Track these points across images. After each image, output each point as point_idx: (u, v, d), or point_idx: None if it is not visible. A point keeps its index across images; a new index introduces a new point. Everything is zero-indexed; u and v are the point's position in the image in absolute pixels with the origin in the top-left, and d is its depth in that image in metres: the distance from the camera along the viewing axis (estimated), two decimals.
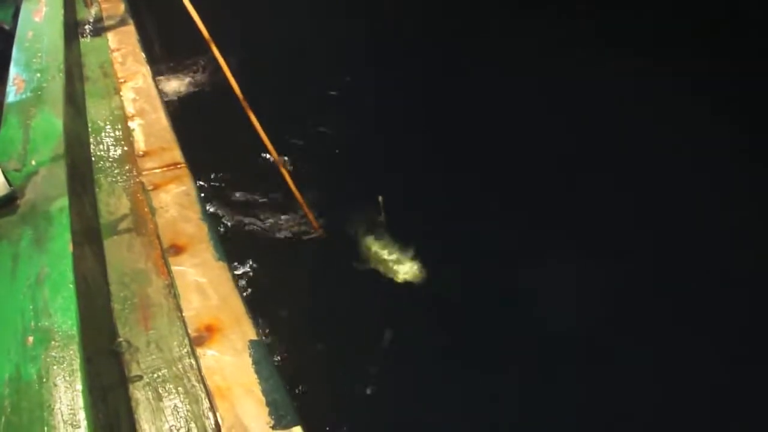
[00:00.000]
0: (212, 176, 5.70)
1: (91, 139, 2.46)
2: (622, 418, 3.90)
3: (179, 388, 1.45)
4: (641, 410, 3.94)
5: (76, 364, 1.21)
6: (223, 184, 5.65)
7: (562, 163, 5.89)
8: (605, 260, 4.84)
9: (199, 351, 1.49)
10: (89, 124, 2.57)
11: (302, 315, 4.43)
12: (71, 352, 1.23)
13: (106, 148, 2.40)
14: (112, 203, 2.09)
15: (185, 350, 1.52)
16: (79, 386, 1.17)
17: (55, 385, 1.17)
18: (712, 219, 5.10)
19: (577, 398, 3.95)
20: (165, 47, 7.38)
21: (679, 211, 5.25)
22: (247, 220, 5.29)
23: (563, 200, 5.49)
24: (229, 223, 5.20)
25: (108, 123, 2.58)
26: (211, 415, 1.39)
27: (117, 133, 2.50)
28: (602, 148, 6.02)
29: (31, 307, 1.33)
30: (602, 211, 5.29)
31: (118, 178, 2.22)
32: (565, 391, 4.02)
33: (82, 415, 1.12)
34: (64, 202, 1.64)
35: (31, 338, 1.26)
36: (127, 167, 2.28)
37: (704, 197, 5.31)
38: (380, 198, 5.15)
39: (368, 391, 4.00)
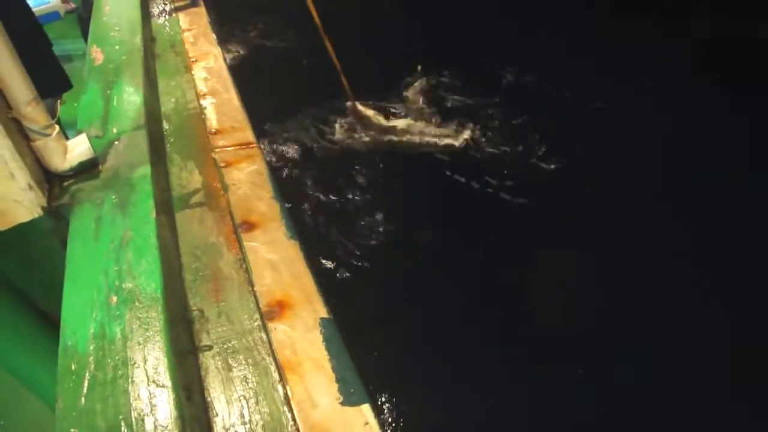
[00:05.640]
0: (283, 156, 5.82)
1: (163, 115, 2.49)
2: (623, 418, 3.92)
3: (249, 360, 1.46)
4: (642, 409, 3.95)
5: (160, 325, 1.23)
6: (293, 165, 5.77)
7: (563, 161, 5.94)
8: (606, 260, 4.86)
9: (270, 325, 1.50)
10: (162, 101, 2.60)
11: (371, 298, 4.50)
12: (155, 314, 1.25)
13: (178, 124, 2.43)
14: (184, 177, 2.11)
15: (256, 324, 1.53)
16: (163, 346, 1.19)
17: (139, 344, 1.19)
18: (713, 219, 5.10)
19: (578, 398, 3.98)
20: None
21: (679, 210, 5.25)
22: (317, 201, 5.39)
23: (564, 200, 5.53)
24: (300, 204, 5.30)
25: (179, 100, 2.60)
26: (280, 387, 1.39)
27: (189, 110, 2.52)
28: (603, 147, 6.05)
29: (115, 268, 1.35)
30: (603, 212, 5.32)
31: (190, 153, 2.24)
32: (566, 391, 4.05)
33: (166, 375, 1.14)
34: (146, 170, 1.66)
35: (114, 298, 1.28)
36: (198, 143, 2.30)
37: (705, 197, 5.30)
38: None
39: (433, 375, 4.06)
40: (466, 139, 6.19)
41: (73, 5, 5.54)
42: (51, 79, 3.31)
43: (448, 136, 6.26)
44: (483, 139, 6.17)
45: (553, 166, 5.83)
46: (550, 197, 5.58)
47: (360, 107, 6.34)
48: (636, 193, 5.51)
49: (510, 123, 6.44)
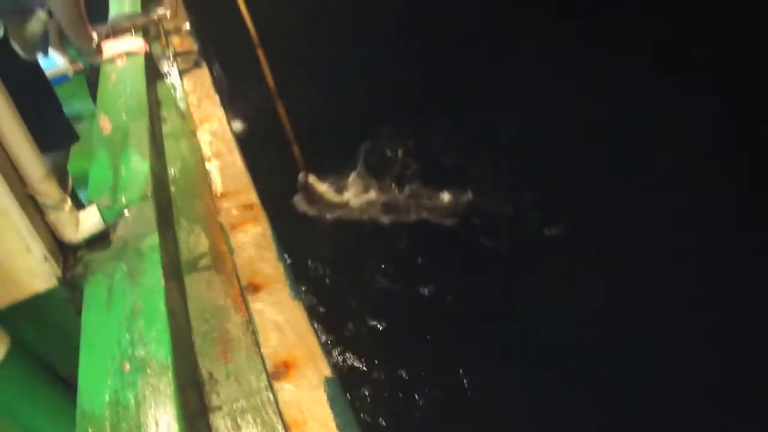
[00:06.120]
0: (284, 217, 5.88)
1: (171, 180, 2.58)
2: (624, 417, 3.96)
3: (257, 419, 1.52)
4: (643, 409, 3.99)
5: (170, 391, 1.29)
6: (295, 224, 5.83)
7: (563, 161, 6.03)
8: (607, 259, 4.91)
9: (276, 385, 1.56)
10: (168, 165, 2.68)
11: (373, 355, 4.55)
12: (165, 379, 1.31)
13: (184, 188, 2.51)
14: (192, 241, 2.19)
15: (263, 384, 1.59)
16: (173, 411, 1.25)
17: (151, 410, 1.26)
18: (714, 220, 5.16)
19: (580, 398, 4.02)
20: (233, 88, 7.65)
21: (681, 210, 5.31)
22: (320, 261, 5.44)
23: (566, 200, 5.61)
24: (303, 264, 5.35)
25: (186, 164, 2.69)
26: None
27: (194, 174, 2.61)
28: (602, 146, 6.12)
29: (127, 336, 1.42)
30: (605, 212, 5.38)
31: (197, 217, 2.32)
32: (566, 392, 4.09)
33: None
34: (154, 239, 1.74)
35: (127, 365, 1.35)
36: (205, 207, 2.38)
37: (705, 196, 5.36)
38: None
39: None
40: (431, 207, 6.14)
41: (81, 66, 5.68)
42: (59, 133, 3.42)
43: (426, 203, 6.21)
44: (457, 203, 6.18)
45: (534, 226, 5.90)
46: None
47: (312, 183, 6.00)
48: (638, 193, 5.63)
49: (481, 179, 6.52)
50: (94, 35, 3.15)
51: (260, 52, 4.97)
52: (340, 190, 6.35)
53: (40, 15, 3.01)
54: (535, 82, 7.38)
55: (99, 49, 3.20)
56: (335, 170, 6.55)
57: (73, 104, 5.44)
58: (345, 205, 6.17)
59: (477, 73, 7.88)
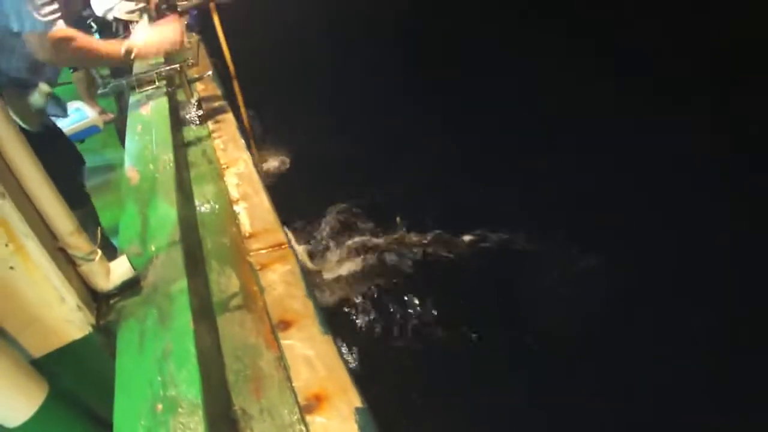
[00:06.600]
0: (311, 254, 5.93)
1: (200, 223, 2.64)
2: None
3: None
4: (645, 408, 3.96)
5: (201, 429, 1.33)
6: (323, 262, 5.88)
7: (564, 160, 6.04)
8: (608, 259, 4.90)
9: (308, 418, 1.59)
10: (197, 209, 2.75)
11: (405, 382, 4.56)
12: (196, 419, 1.35)
13: (214, 230, 2.57)
14: (223, 282, 2.24)
15: (295, 417, 1.63)
16: None
17: None
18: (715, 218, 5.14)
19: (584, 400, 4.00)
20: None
21: (683, 210, 5.29)
22: (348, 296, 5.48)
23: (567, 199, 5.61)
24: (331, 300, 5.39)
25: (214, 207, 2.75)
26: None
27: (223, 216, 2.66)
28: (604, 145, 6.12)
29: (159, 378, 1.46)
30: (607, 210, 5.38)
31: (227, 259, 2.37)
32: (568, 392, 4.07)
33: None
34: (183, 284, 1.79)
35: (160, 406, 1.39)
36: (234, 248, 2.43)
37: (707, 196, 5.34)
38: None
39: None
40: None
41: (111, 115, 5.82)
42: (69, 161, 3.51)
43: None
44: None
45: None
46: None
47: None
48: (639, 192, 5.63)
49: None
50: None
51: (236, 84, 5.35)
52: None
53: (43, 88, 3.08)
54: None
55: None
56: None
57: (105, 154, 5.58)
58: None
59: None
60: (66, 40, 2.91)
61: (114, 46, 3.18)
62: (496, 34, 9.41)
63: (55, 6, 2.84)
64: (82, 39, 3.00)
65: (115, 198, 3.51)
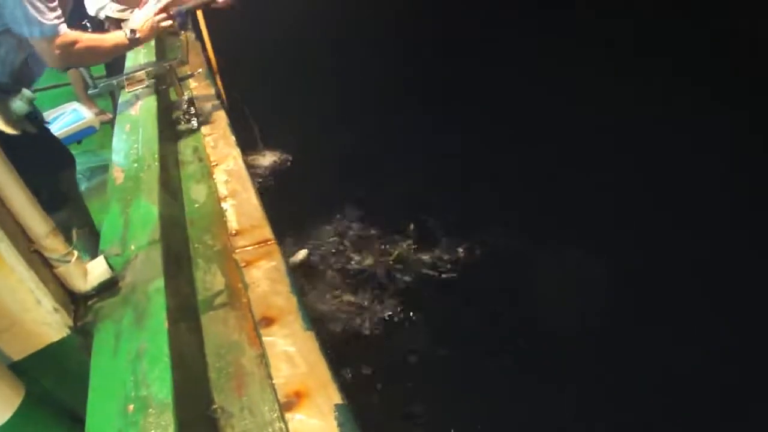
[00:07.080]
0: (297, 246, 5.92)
1: (188, 221, 2.63)
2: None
3: None
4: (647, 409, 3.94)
5: (171, 429, 1.32)
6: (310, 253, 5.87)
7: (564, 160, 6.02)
8: (609, 259, 4.89)
9: (288, 415, 1.58)
10: (186, 207, 2.74)
11: (383, 381, 4.54)
12: (167, 418, 1.34)
13: (202, 228, 2.56)
14: (209, 280, 2.23)
15: (275, 415, 1.62)
16: None
17: None
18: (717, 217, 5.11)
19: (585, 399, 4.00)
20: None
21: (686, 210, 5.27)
22: (331, 291, 5.46)
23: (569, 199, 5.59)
24: (316, 295, 5.38)
25: (202, 205, 2.75)
26: None
27: (211, 214, 2.66)
28: (604, 146, 6.11)
29: (131, 378, 1.46)
30: (609, 209, 5.36)
31: (213, 256, 2.37)
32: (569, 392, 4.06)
33: None
34: (160, 283, 1.78)
35: (131, 406, 1.38)
36: (221, 246, 2.43)
37: (706, 196, 5.32)
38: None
39: None
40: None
41: (109, 116, 5.82)
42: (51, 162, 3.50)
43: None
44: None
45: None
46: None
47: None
48: (641, 192, 5.62)
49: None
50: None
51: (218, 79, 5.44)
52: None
53: (26, 93, 3.07)
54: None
55: None
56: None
57: (102, 154, 5.57)
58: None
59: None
60: (73, 43, 2.93)
61: (117, 35, 3.21)
62: (497, 31, 9.35)
63: (59, 12, 2.85)
64: (87, 38, 3.02)
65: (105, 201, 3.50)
